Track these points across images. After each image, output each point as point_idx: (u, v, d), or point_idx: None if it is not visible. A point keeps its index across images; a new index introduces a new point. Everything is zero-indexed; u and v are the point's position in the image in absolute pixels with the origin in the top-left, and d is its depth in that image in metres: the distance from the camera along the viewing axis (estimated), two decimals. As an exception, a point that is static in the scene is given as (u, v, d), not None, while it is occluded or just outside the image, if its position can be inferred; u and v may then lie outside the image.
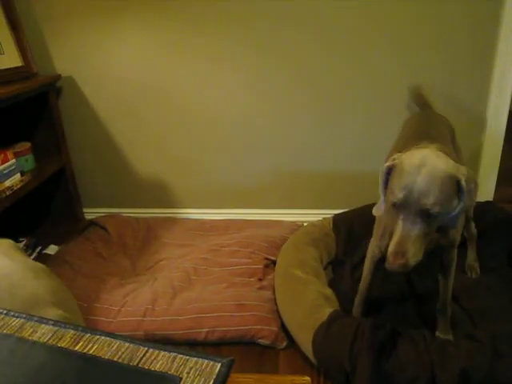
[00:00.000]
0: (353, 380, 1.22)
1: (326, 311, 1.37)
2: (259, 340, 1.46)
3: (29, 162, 1.96)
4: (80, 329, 0.62)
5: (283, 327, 1.48)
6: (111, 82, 2.07)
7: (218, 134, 2.11)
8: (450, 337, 1.34)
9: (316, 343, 1.30)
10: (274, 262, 1.77)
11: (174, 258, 1.90)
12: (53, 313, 0.94)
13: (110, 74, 2.06)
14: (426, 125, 1.43)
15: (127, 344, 0.59)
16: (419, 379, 1.15)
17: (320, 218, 1.97)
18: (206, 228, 2.13)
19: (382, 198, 1.10)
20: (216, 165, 2.18)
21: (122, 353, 0.58)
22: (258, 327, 1.47)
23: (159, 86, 2.05)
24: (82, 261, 1.86)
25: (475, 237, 1.65)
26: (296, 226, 2.06)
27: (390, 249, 0.99)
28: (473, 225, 1.62)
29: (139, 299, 1.61)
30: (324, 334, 1.29)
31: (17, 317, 0.65)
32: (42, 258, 1.97)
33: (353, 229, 1.85)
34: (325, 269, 1.73)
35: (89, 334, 0.61)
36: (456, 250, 1.27)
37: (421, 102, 1.71)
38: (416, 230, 0.98)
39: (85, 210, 2.34)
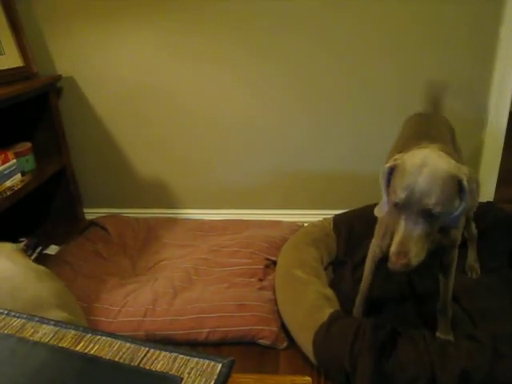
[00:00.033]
0: (353, 380, 1.22)
1: (327, 311, 1.37)
2: (260, 340, 1.46)
3: (29, 162, 1.96)
4: (81, 329, 0.63)
5: (284, 327, 1.48)
6: (112, 83, 2.07)
7: (219, 135, 2.11)
8: (451, 337, 1.34)
9: (316, 343, 1.30)
10: (275, 263, 1.77)
11: (175, 259, 1.90)
12: (56, 315, 0.94)
13: (110, 74, 2.06)
14: (425, 125, 1.43)
15: (128, 344, 0.59)
16: (419, 379, 1.15)
17: (320, 219, 1.97)
18: (207, 228, 2.13)
19: (384, 198, 1.10)
20: (216, 165, 2.18)
21: (123, 353, 0.58)
22: (259, 327, 1.47)
23: (159, 86, 2.05)
24: (83, 261, 1.87)
25: (476, 237, 1.65)
26: (296, 227, 2.06)
27: (393, 249, 0.99)
28: (473, 225, 1.62)
29: (140, 299, 1.61)
30: (324, 334, 1.29)
31: (18, 317, 0.65)
32: (42, 259, 1.97)
33: (353, 229, 1.85)
34: (325, 269, 1.73)
35: (90, 335, 0.61)
36: (457, 250, 1.28)
37: (433, 102, 1.70)
38: (418, 229, 0.98)
39: (85, 211, 2.34)
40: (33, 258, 1.98)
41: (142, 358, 0.57)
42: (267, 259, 1.82)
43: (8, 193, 1.73)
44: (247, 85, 2.01)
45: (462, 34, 1.82)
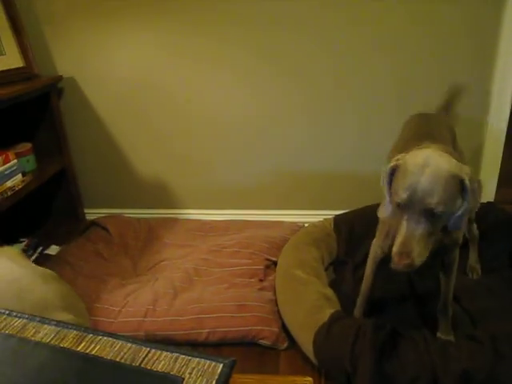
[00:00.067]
0: (354, 381, 1.21)
1: (327, 312, 1.37)
2: (260, 341, 1.46)
3: (30, 162, 1.96)
4: (82, 329, 0.63)
5: (284, 328, 1.48)
6: (112, 83, 2.07)
7: (219, 135, 2.12)
8: (451, 337, 1.34)
9: (317, 344, 1.30)
10: (275, 263, 1.77)
11: (175, 259, 1.90)
12: (62, 317, 0.94)
13: (111, 74, 2.06)
14: (425, 125, 1.43)
15: (129, 344, 0.59)
16: (420, 380, 1.15)
17: (321, 219, 1.97)
18: (207, 229, 2.13)
19: (387, 199, 1.10)
20: (217, 165, 2.18)
21: (125, 353, 0.58)
22: (259, 328, 1.47)
23: (160, 86, 2.05)
24: (83, 261, 1.87)
25: (477, 238, 1.65)
26: (297, 227, 2.06)
27: (395, 249, 0.99)
28: (475, 226, 1.62)
29: (140, 300, 1.61)
30: (325, 334, 1.29)
31: (19, 317, 0.65)
32: (43, 259, 1.97)
33: (354, 229, 1.85)
34: (326, 269, 1.73)
35: (91, 335, 0.61)
36: (458, 250, 1.28)
37: (446, 104, 1.70)
38: (420, 229, 0.98)
39: (86, 211, 2.34)
40: (33, 258, 1.98)
41: (144, 359, 0.57)
42: (267, 259, 1.82)
43: (9, 193, 1.74)
44: (247, 85, 2.01)
45: (462, 34, 1.82)
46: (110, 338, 0.60)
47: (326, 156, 2.09)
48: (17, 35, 1.96)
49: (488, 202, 1.95)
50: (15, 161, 1.82)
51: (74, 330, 0.63)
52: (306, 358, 1.37)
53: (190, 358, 0.56)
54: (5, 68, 1.86)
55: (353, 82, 1.95)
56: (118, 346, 0.59)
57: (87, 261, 1.88)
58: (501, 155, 1.99)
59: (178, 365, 0.55)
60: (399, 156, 1.07)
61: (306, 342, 1.34)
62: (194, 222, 2.22)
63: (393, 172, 1.06)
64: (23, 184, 1.82)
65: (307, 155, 2.10)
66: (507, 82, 1.85)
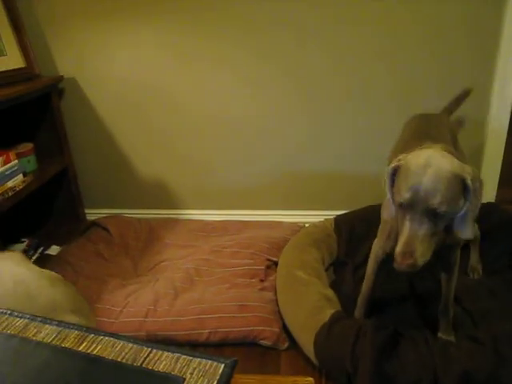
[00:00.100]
0: (354, 381, 1.21)
1: (328, 312, 1.37)
2: (261, 341, 1.46)
3: (31, 162, 1.96)
4: (84, 329, 0.63)
5: (285, 328, 1.48)
6: (113, 83, 2.08)
7: (219, 135, 2.12)
8: (452, 338, 1.34)
9: (318, 344, 1.30)
10: (276, 263, 1.77)
11: (176, 259, 1.90)
12: (71, 319, 0.93)
13: (112, 75, 2.06)
14: (426, 125, 1.43)
15: (131, 344, 0.59)
16: (421, 381, 1.15)
17: (321, 219, 1.97)
18: (208, 229, 2.13)
19: (390, 200, 1.10)
20: (218, 166, 2.18)
21: (126, 353, 0.58)
22: (260, 328, 1.47)
23: (161, 87, 2.06)
24: (84, 262, 1.87)
25: (478, 238, 1.65)
26: (297, 227, 2.06)
27: (398, 249, 0.99)
28: (476, 226, 1.62)
29: (141, 300, 1.61)
30: (326, 335, 1.29)
31: (21, 317, 0.65)
32: (43, 259, 1.97)
33: (354, 230, 1.85)
34: (326, 270, 1.73)
35: (93, 335, 0.61)
36: (459, 250, 1.28)
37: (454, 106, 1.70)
38: (423, 229, 0.98)
39: (87, 211, 2.34)
40: (34, 258, 1.99)
41: (145, 359, 0.57)
42: (268, 260, 1.82)
43: (10, 193, 1.74)
44: (247, 85, 2.01)
45: (462, 34, 1.82)
46: (112, 338, 0.60)
47: (326, 156, 2.09)
48: (18, 36, 1.96)
49: (489, 203, 1.95)
50: (16, 161, 1.82)
51: (76, 330, 0.63)
52: (306, 359, 1.37)
53: (191, 358, 0.56)
54: (6, 68, 1.86)
55: (353, 82, 1.95)
56: (119, 346, 0.59)
57: (88, 261, 1.88)
58: (502, 155, 1.99)
59: (179, 365, 0.55)
60: (401, 156, 1.07)
61: (307, 343, 1.34)
62: (195, 222, 2.22)
63: (394, 172, 1.06)
64: (24, 184, 1.83)
65: (307, 155, 2.10)
66: (508, 81, 1.85)
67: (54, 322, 0.64)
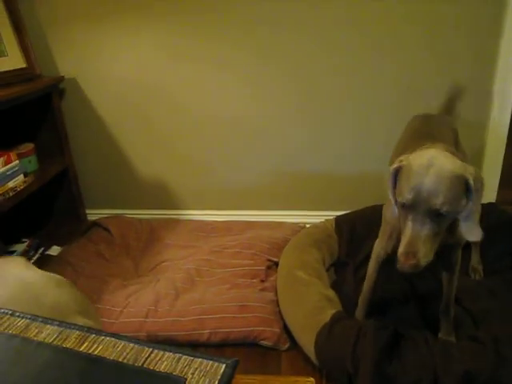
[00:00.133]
0: (355, 381, 1.21)
1: (329, 313, 1.37)
2: (261, 341, 1.46)
3: (32, 163, 1.97)
4: (85, 329, 0.63)
5: (285, 328, 1.48)
6: (114, 84, 2.08)
7: (220, 135, 2.12)
8: (453, 338, 1.34)
9: (318, 345, 1.30)
10: (277, 264, 1.77)
11: (177, 260, 1.91)
12: (80, 321, 0.92)
13: (112, 75, 2.06)
14: (428, 126, 1.43)
15: (132, 345, 0.59)
16: (422, 381, 1.15)
17: (322, 219, 1.97)
18: (209, 229, 2.13)
19: (393, 201, 1.09)
20: (218, 166, 2.18)
21: (127, 353, 0.58)
22: (261, 329, 1.47)
23: (161, 88, 2.06)
24: (85, 262, 1.87)
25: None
26: (298, 228, 2.06)
27: (401, 250, 0.99)
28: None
29: (142, 300, 1.61)
30: (326, 335, 1.29)
31: (22, 317, 0.65)
32: (44, 259, 1.97)
33: (355, 230, 1.85)
34: (327, 270, 1.73)
35: (94, 335, 0.61)
36: (461, 250, 1.28)
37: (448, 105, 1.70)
38: (426, 230, 0.98)
39: (87, 211, 2.34)
40: (35, 258, 1.99)
41: (146, 359, 0.57)
42: (269, 260, 1.82)
43: (11, 193, 1.74)
44: (247, 85, 2.01)
45: (462, 34, 1.82)
46: (113, 339, 0.60)
47: (326, 156, 2.09)
48: (19, 36, 1.97)
49: (489, 203, 1.95)
50: (17, 161, 1.82)
51: (77, 330, 0.63)
52: (307, 359, 1.37)
53: (192, 358, 0.56)
54: (7, 69, 1.86)
55: (353, 82, 1.95)
56: (120, 347, 0.59)
57: (89, 261, 1.88)
58: (502, 156, 1.99)
59: (180, 365, 0.55)
60: (402, 157, 1.07)
61: (308, 343, 1.34)
62: (196, 222, 2.22)
63: (396, 173, 1.06)
64: (25, 185, 1.83)
65: (307, 155, 2.10)
66: (508, 82, 1.85)
67: (56, 323, 0.64)
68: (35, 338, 0.61)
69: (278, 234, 2.00)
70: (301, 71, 1.95)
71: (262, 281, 1.71)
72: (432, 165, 0.98)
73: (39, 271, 1.00)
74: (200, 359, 0.56)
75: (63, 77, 2.07)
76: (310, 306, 1.43)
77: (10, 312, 0.66)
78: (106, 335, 0.61)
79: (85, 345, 0.60)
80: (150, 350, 0.58)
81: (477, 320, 1.42)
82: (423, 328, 1.39)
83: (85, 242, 2.01)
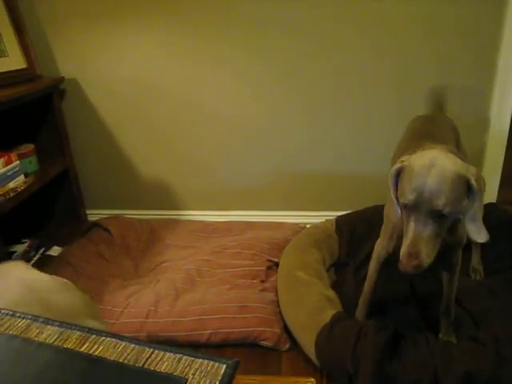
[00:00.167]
0: (355, 382, 1.21)
1: (329, 313, 1.37)
2: (262, 342, 1.46)
3: (32, 163, 1.97)
4: (86, 330, 0.63)
5: (286, 329, 1.48)
6: (114, 84, 2.08)
7: (220, 135, 2.12)
8: (453, 339, 1.34)
9: (319, 345, 1.30)
10: (277, 264, 1.77)
11: (177, 260, 1.91)
12: (91, 324, 0.91)
13: (113, 76, 2.06)
14: (429, 126, 1.43)
15: (133, 345, 0.59)
16: (422, 381, 1.15)
17: (322, 220, 1.97)
18: (209, 230, 2.13)
19: (395, 202, 1.09)
20: (218, 166, 2.18)
21: (128, 354, 0.58)
22: (261, 329, 1.47)
23: (161, 88, 2.06)
24: (85, 262, 1.87)
25: (479, 239, 1.64)
26: (298, 228, 2.06)
27: (404, 250, 0.99)
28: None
29: (142, 301, 1.61)
30: (327, 335, 1.29)
31: (23, 318, 0.65)
32: (45, 260, 1.97)
33: (355, 230, 1.85)
34: (327, 271, 1.73)
35: (94, 335, 0.61)
36: (461, 251, 1.28)
37: (434, 103, 1.70)
38: (428, 230, 0.98)
39: (88, 212, 2.34)
40: (35, 259, 1.99)
41: (147, 359, 0.57)
42: (269, 261, 1.82)
43: (11, 194, 1.74)
44: (247, 85, 2.01)
45: (462, 34, 1.82)
46: (114, 339, 0.60)
47: (326, 156, 2.09)
48: (19, 36, 1.97)
49: (490, 203, 1.95)
50: (17, 162, 1.82)
51: (78, 330, 0.63)
52: (307, 359, 1.37)
53: (193, 358, 0.56)
54: (7, 69, 1.86)
55: (353, 82, 1.95)
56: (121, 347, 0.59)
57: (89, 262, 1.88)
58: (503, 156, 1.99)
59: (181, 366, 0.56)
60: (404, 158, 1.07)
61: (308, 343, 1.34)
62: (197, 223, 2.22)
63: (398, 174, 1.06)
64: (25, 185, 1.83)
65: (307, 155, 2.10)
66: (509, 82, 1.85)
67: (56, 323, 0.64)
68: (36, 339, 0.61)
69: (278, 234, 2.00)
70: (301, 71, 1.95)
71: (263, 281, 1.71)
72: (434, 165, 0.98)
73: (43, 274, 0.99)
74: (201, 360, 0.56)
75: (63, 77, 2.07)
76: (310, 307, 1.43)
77: (11, 313, 0.66)
78: (106, 336, 0.61)
79: (85, 345, 0.60)
80: (151, 350, 0.58)
81: (477, 320, 1.41)
82: (423, 328, 1.39)
83: (85, 242, 2.01)
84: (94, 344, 0.60)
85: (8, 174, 1.76)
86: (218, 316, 1.51)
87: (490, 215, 1.79)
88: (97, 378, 0.55)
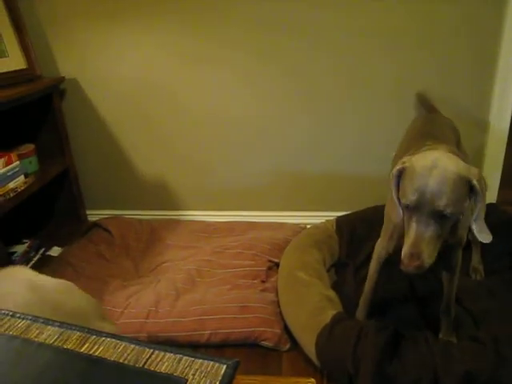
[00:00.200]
0: (356, 382, 1.21)
1: (329, 313, 1.37)
2: (262, 342, 1.46)
3: (32, 163, 1.97)
4: (86, 330, 0.63)
5: (286, 329, 1.48)
6: (114, 84, 2.08)
7: (220, 135, 2.12)
8: (453, 339, 1.34)
9: (319, 345, 1.30)
10: (277, 264, 1.77)
11: (178, 260, 1.90)
12: (103, 326, 0.90)
13: (113, 76, 2.06)
14: (430, 127, 1.43)
15: (133, 346, 0.59)
16: (422, 381, 1.15)
17: (322, 220, 1.97)
18: (210, 230, 2.13)
19: (397, 202, 1.09)
20: (218, 166, 2.18)
21: (128, 354, 0.58)
22: (261, 329, 1.47)
23: (162, 87, 2.06)
24: (85, 263, 1.87)
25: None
26: (299, 228, 2.06)
27: (405, 251, 0.99)
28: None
29: (142, 301, 1.61)
30: (327, 336, 1.29)
31: (23, 318, 0.65)
32: (45, 260, 1.97)
33: (356, 231, 1.85)
34: (328, 271, 1.73)
35: (95, 336, 0.61)
36: (461, 250, 1.28)
37: (428, 106, 1.71)
38: (430, 231, 0.98)
39: (88, 212, 2.34)
40: (35, 259, 1.99)
41: (147, 360, 0.57)
42: (270, 261, 1.82)
43: (11, 194, 1.74)
44: (248, 85, 2.01)
45: (462, 34, 1.82)
46: (114, 339, 0.60)
47: (326, 156, 2.09)
48: (19, 36, 1.97)
49: (490, 204, 1.94)
50: (18, 162, 1.82)
51: (78, 331, 0.63)
52: (308, 360, 1.37)
53: (193, 359, 0.56)
54: (7, 69, 1.86)
55: (353, 82, 1.95)
56: (121, 347, 0.59)
57: (89, 262, 1.88)
58: (503, 156, 1.99)
59: (181, 366, 0.55)
60: (405, 158, 1.07)
61: (309, 344, 1.34)
62: (197, 223, 2.22)
63: (400, 174, 1.06)
64: (26, 185, 1.83)
65: (307, 155, 2.10)
66: (509, 82, 1.85)
67: (56, 324, 0.64)
68: (36, 339, 0.61)
69: (278, 234, 2.00)
70: (301, 71, 1.95)
71: (263, 281, 1.71)
72: (435, 166, 0.98)
73: (48, 277, 0.98)
74: (201, 360, 0.56)
75: (64, 77, 2.07)
76: (310, 307, 1.43)
77: (11, 313, 0.66)
78: (106, 336, 0.61)
79: (85, 346, 0.60)
80: (151, 350, 0.58)
81: (477, 320, 1.41)
82: (424, 328, 1.39)
83: (85, 242, 2.01)
84: (94, 344, 0.60)
85: (8, 174, 1.76)
86: (218, 316, 1.51)
87: (490, 216, 1.77)
88: (97, 379, 0.55)
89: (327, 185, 2.14)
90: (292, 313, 1.47)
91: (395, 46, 1.87)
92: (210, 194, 2.24)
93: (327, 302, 1.45)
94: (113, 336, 0.61)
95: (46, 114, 2.04)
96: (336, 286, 1.62)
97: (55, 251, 2.04)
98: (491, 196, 2.05)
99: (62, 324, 0.64)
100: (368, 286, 1.40)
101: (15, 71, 1.91)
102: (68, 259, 1.87)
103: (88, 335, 0.61)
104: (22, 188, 1.80)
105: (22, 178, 1.84)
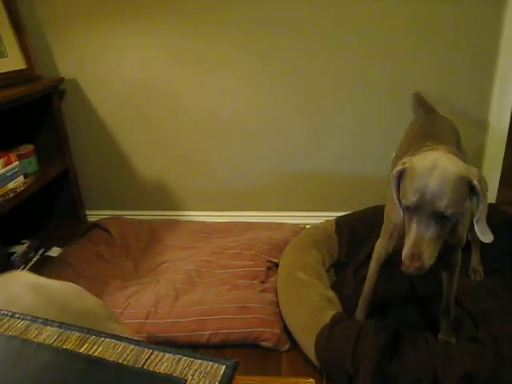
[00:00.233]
0: (355, 382, 1.21)
1: (329, 313, 1.37)
2: (262, 342, 1.46)
3: (32, 164, 1.97)
4: (85, 331, 0.63)
5: (286, 329, 1.48)
6: (114, 85, 2.08)
7: (220, 135, 2.12)
8: (453, 339, 1.34)
9: (319, 346, 1.30)
10: (277, 265, 1.77)
11: (177, 261, 1.90)
12: (113, 327, 0.90)
13: (112, 76, 2.06)
14: (430, 127, 1.43)
15: (132, 346, 0.59)
16: (422, 381, 1.15)
17: (322, 220, 1.97)
18: (209, 230, 2.13)
19: (397, 203, 1.09)
20: (218, 166, 2.18)
21: (127, 355, 0.58)
22: (261, 329, 1.47)
23: (161, 88, 2.06)
24: (85, 263, 1.87)
25: (479, 240, 1.64)
26: (298, 229, 2.06)
27: (406, 252, 0.99)
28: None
29: (142, 301, 1.61)
30: (327, 336, 1.29)
31: (22, 319, 0.65)
32: (44, 261, 1.97)
33: (355, 231, 1.85)
34: (327, 271, 1.73)
35: (94, 336, 0.61)
36: (461, 251, 1.28)
37: (426, 106, 1.71)
38: (430, 232, 0.98)
39: (87, 212, 2.34)
40: (35, 260, 1.99)
41: (146, 360, 0.56)
42: (269, 261, 1.82)
43: (11, 195, 1.74)
44: (247, 85, 2.01)
45: (462, 34, 1.82)
46: (113, 340, 0.60)
47: (326, 156, 2.09)
48: (19, 37, 1.97)
49: (489, 204, 1.94)
50: (17, 162, 1.82)
51: (77, 331, 0.63)
52: (307, 360, 1.37)
53: (192, 359, 0.56)
54: (7, 70, 1.87)
55: (352, 82, 1.95)
56: (120, 348, 0.59)
57: (89, 262, 1.88)
58: (502, 156, 1.99)
59: (180, 366, 0.55)
60: (406, 159, 1.07)
61: (308, 344, 1.34)
62: (197, 223, 2.22)
63: (400, 175, 1.06)
64: (25, 186, 1.83)
65: (307, 155, 2.10)
66: (508, 82, 1.85)
67: (55, 324, 0.64)
68: (35, 340, 0.61)
69: (278, 235, 1.99)
70: (301, 71, 1.95)
71: (262, 282, 1.71)
72: (436, 167, 0.97)
73: (52, 281, 0.97)
74: (200, 360, 0.56)
75: (63, 78, 2.07)
76: (310, 307, 1.43)
77: (10, 314, 0.66)
78: (105, 336, 0.61)
79: (85, 346, 0.60)
80: (150, 351, 0.58)
81: (477, 321, 1.42)
82: (423, 328, 1.39)
83: (85, 243, 2.01)
84: (93, 345, 0.60)
85: (7, 174, 1.76)
86: (217, 317, 1.51)
87: (490, 216, 1.78)
88: (96, 379, 0.55)
89: (327, 185, 2.14)
90: (291, 313, 1.47)
91: (395, 46, 1.87)
92: (209, 195, 2.24)
93: (327, 303, 1.45)
94: (112, 336, 0.61)
95: (46, 114, 2.04)
96: (335, 287, 1.62)
97: (55, 252, 2.04)
98: (491, 196, 2.05)
99: (61, 324, 0.64)
100: (367, 286, 1.40)
101: (15, 71, 1.91)
102: (68, 260, 1.87)
103: (87, 335, 0.61)
104: (22, 188, 1.80)
105: (21, 178, 1.84)
